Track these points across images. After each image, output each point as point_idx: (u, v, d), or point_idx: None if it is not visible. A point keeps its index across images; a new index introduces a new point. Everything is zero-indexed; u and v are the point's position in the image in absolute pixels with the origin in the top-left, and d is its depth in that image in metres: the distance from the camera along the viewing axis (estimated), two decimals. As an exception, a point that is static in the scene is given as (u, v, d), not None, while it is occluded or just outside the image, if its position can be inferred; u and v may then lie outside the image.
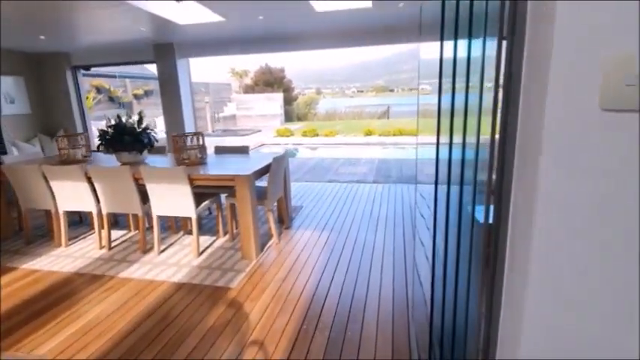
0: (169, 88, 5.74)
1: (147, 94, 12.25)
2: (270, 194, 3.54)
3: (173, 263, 3.25)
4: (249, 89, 20.93)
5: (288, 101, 21.72)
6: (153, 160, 4.06)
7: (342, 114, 26.00)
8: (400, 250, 3.38)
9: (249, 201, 3.17)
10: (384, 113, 27.39)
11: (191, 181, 3.25)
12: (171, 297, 2.71)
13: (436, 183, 1.55)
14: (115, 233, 4.02)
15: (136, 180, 3.36)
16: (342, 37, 5.15)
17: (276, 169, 3.61)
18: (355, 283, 2.83)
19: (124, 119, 3.74)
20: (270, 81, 20.44)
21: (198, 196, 3.51)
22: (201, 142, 3.73)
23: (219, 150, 4.50)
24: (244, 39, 5.44)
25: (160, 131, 5.95)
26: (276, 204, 4.01)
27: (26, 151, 6.09)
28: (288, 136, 12.93)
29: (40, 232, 4.12)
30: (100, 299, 2.72)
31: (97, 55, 6.12)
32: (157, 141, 4.00)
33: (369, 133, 12.61)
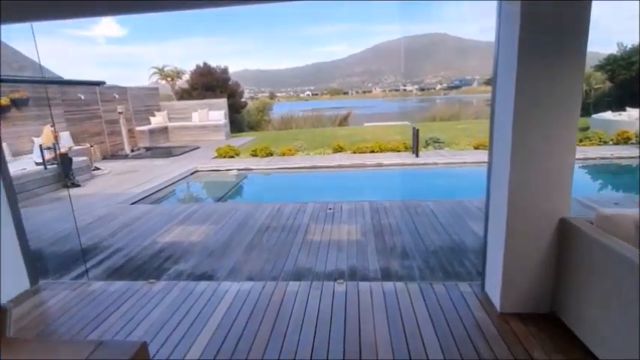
0: None
1: (16, 104, 8.41)
2: None
3: None
4: (185, 94, 17.17)
5: (236, 108, 18.30)
6: None
7: (300, 119, 23.32)
8: None
9: None
10: (345, 118, 24.96)
11: None
12: None
13: None
14: None
15: None
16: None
17: None
18: None
19: None
20: (211, 84, 16.83)
21: None
22: None
23: None
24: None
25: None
26: None
27: None
28: (232, 156, 9.69)
29: None
30: None
31: None
32: None
33: (338, 149, 9.77)
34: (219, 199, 6.82)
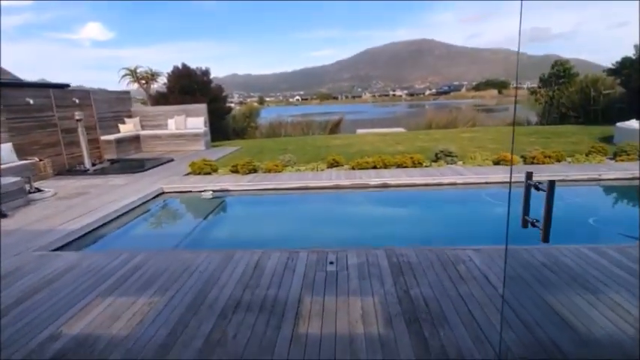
0: None
1: None
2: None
3: None
4: (162, 99, 15.51)
5: (220, 114, 16.73)
6: None
7: (289, 125, 22.10)
8: None
9: None
10: (337, 124, 23.59)
11: None
12: None
13: None
14: None
15: None
16: None
17: None
18: None
19: None
20: (190, 87, 15.22)
21: None
22: None
23: None
24: None
25: None
26: None
27: None
28: (208, 173, 8.15)
29: None
30: None
31: None
32: None
33: (334, 164, 8.33)
34: (181, 240, 5.26)
